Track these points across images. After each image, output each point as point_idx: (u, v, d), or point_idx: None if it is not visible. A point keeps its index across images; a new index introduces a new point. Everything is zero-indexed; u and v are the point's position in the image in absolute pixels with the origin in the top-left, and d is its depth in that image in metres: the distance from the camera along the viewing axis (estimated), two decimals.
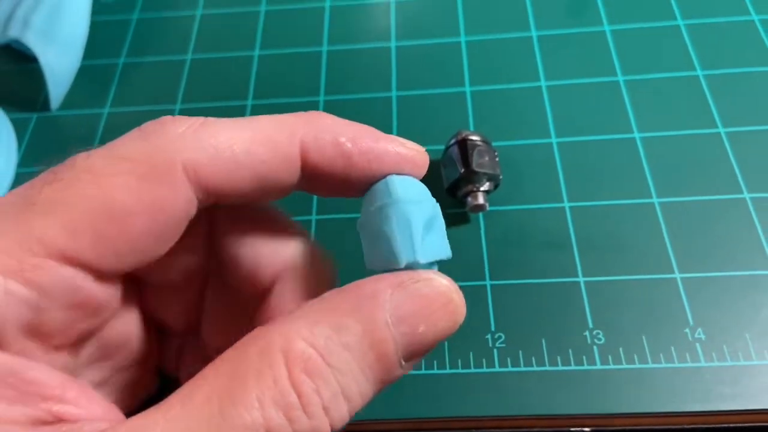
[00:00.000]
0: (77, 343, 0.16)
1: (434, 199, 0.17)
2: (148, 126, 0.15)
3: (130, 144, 0.14)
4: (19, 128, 0.39)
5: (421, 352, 0.15)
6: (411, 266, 0.15)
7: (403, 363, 0.14)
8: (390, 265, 0.15)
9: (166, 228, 0.15)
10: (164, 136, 0.14)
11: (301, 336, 0.13)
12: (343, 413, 0.13)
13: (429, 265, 0.16)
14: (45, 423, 0.13)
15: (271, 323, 0.14)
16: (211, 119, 0.15)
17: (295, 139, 0.15)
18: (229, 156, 0.15)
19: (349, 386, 0.13)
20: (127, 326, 0.18)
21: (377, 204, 0.16)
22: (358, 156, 0.16)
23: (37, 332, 0.14)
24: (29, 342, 0.14)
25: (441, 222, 0.17)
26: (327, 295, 0.15)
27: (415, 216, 0.16)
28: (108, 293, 0.15)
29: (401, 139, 0.17)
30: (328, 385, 0.13)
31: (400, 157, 0.17)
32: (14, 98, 0.41)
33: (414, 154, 0.17)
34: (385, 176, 0.17)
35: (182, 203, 0.14)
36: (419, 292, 0.15)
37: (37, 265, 0.13)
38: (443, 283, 0.15)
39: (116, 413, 0.16)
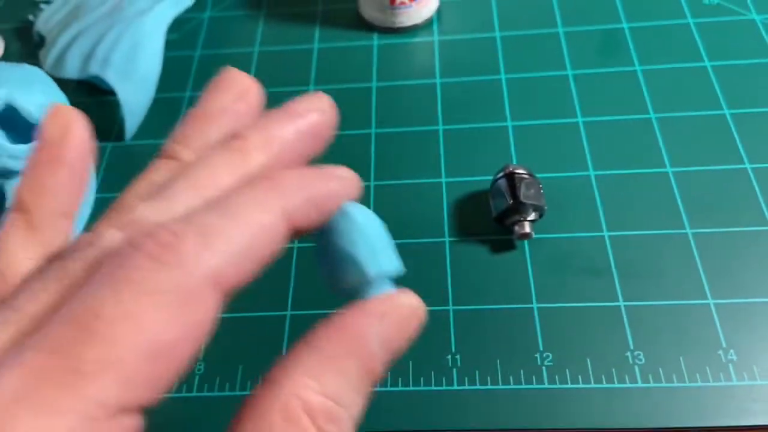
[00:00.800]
0: None
1: (381, 222, 0.19)
2: (155, 250, 0.14)
3: (156, 277, 0.14)
4: (96, 156, 0.42)
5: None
6: (378, 276, 0.18)
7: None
8: (360, 279, 0.18)
9: (203, 341, 0.15)
10: (185, 257, 0.14)
11: (315, 391, 0.15)
12: None
13: (390, 279, 0.18)
14: None
15: (274, 380, 0.15)
16: (203, 222, 0.15)
17: (285, 217, 0.16)
18: (245, 256, 0.15)
19: (356, 414, 0.16)
20: None
21: (339, 228, 0.18)
22: (327, 201, 0.17)
23: None
24: None
25: (390, 239, 0.19)
26: (316, 339, 0.16)
27: (374, 234, 0.18)
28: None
29: (336, 170, 0.18)
30: (345, 423, 0.15)
31: (347, 186, 0.18)
32: (91, 128, 0.44)
33: (354, 179, 0.19)
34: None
35: (215, 314, 0.15)
36: (399, 317, 0.17)
37: (103, 430, 0.13)
38: (413, 302, 0.17)
39: None
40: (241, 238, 0.15)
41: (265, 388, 0.15)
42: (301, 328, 0.34)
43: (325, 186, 0.18)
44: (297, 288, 0.37)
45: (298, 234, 0.17)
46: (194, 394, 0.33)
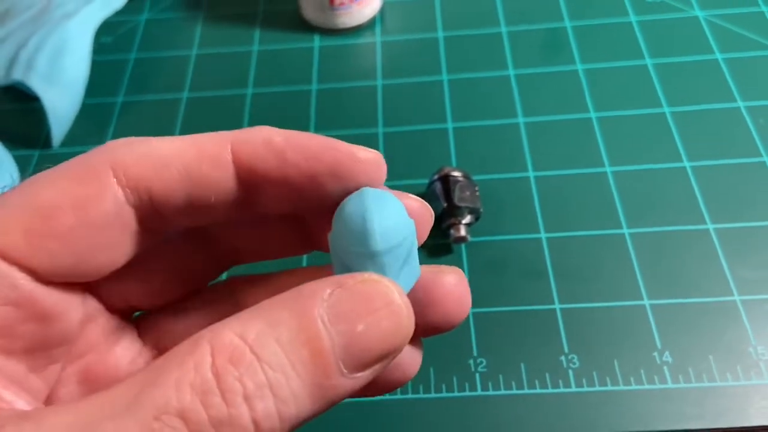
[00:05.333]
0: (29, 353, 0.16)
1: (411, 224, 0.16)
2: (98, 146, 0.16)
3: (73, 159, 0.16)
4: (21, 165, 0.41)
5: (366, 360, 0.14)
6: None
7: (344, 370, 0.14)
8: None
9: (95, 226, 0.15)
10: (101, 148, 0.16)
11: (231, 329, 0.13)
12: (269, 408, 0.13)
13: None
14: None
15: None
16: (149, 137, 0.16)
17: (225, 143, 0.16)
18: (157, 158, 0.15)
19: (279, 381, 0.13)
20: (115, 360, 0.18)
21: (354, 249, 0.15)
22: (293, 153, 0.16)
23: None
24: None
25: (415, 248, 0.16)
26: (267, 300, 0.14)
27: (392, 265, 0.15)
28: (55, 299, 0.16)
29: (344, 143, 0.16)
30: (254, 376, 0.13)
31: (341, 155, 0.16)
32: (17, 136, 0.42)
33: (358, 154, 0.16)
34: (356, 190, 0.16)
35: (109, 202, 0.15)
36: (358, 290, 0.14)
37: None
38: (386, 283, 0.14)
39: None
40: (165, 144, 0.16)
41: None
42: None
43: (302, 135, 0.16)
44: None
45: (251, 178, 0.16)
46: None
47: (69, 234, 0.15)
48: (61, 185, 0.15)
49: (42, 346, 0.16)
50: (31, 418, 0.13)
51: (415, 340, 0.18)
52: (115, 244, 0.16)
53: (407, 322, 0.15)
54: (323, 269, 0.19)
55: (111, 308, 0.18)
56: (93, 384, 0.17)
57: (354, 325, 0.14)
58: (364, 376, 0.14)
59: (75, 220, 0.15)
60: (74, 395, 0.17)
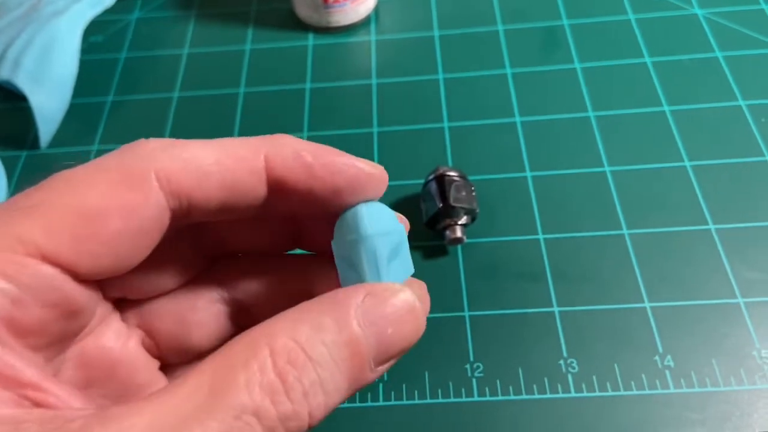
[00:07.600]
0: (51, 347, 0.16)
1: (401, 225, 0.19)
2: (125, 146, 0.17)
3: (109, 158, 0.16)
4: (8, 166, 0.40)
5: (389, 357, 0.16)
6: None
7: (373, 366, 0.16)
8: None
9: (139, 231, 0.16)
10: (139, 151, 0.16)
11: (284, 332, 0.15)
12: (320, 402, 0.15)
13: None
14: (23, 406, 0.14)
15: (254, 326, 0.16)
16: (180, 140, 0.17)
17: (259, 153, 0.17)
18: (198, 166, 0.16)
19: (326, 378, 0.15)
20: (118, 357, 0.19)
21: (348, 237, 0.18)
22: (320, 168, 0.18)
23: (16, 327, 0.15)
24: (9, 336, 0.15)
25: (406, 246, 0.19)
26: (304, 303, 0.16)
27: (381, 249, 0.18)
28: (86, 296, 0.17)
29: (359, 158, 0.19)
30: (309, 375, 0.15)
31: (359, 171, 0.18)
32: (4, 136, 0.41)
33: (372, 170, 0.19)
34: (354, 205, 0.19)
35: (154, 208, 0.16)
36: (387, 299, 0.16)
37: (18, 263, 0.14)
38: (408, 293, 0.17)
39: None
40: (203, 152, 0.16)
41: (248, 330, 0.15)
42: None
43: (327, 152, 0.18)
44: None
45: (280, 186, 0.17)
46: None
47: (114, 239, 0.16)
48: (107, 189, 0.15)
49: (63, 339, 0.17)
50: (112, 418, 0.13)
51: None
52: (151, 244, 0.17)
53: (423, 322, 0.17)
54: (305, 257, 0.22)
55: (106, 297, 0.19)
56: (89, 367, 0.18)
57: (384, 329, 0.16)
58: (383, 369, 0.17)
59: (122, 226, 0.16)
60: (73, 380, 0.18)
